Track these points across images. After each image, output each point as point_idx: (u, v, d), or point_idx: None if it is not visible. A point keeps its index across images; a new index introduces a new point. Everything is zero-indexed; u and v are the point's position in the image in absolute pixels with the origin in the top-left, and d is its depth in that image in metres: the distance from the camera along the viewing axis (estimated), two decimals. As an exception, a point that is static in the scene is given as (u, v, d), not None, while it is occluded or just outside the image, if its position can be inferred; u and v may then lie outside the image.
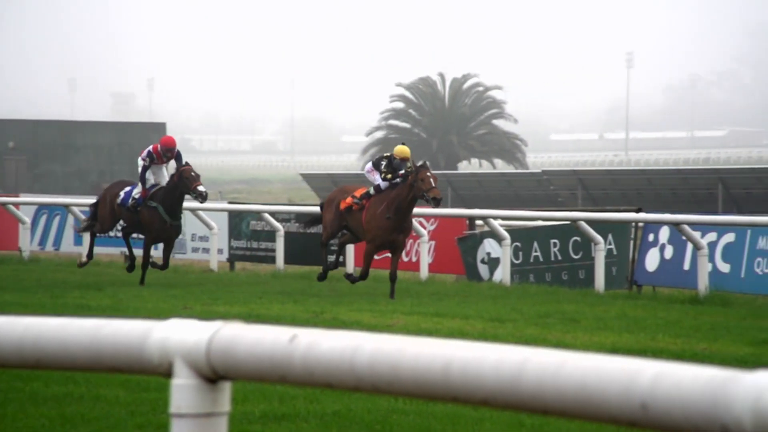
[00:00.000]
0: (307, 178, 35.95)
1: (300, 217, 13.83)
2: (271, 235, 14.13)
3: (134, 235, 11.65)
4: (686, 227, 10.84)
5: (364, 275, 10.36)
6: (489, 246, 12.66)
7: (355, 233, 10.56)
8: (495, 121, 45.91)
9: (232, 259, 14.74)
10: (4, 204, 15.44)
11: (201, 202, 11.12)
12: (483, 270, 12.83)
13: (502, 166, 44.32)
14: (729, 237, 11.43)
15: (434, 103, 46.35)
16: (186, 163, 11.05)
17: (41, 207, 15.80)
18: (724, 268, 11.39)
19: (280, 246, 13.74)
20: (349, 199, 10.38)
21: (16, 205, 15.48)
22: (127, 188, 11.32)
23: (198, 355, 1.94)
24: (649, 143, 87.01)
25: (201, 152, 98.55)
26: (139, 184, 11.16)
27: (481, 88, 46.52)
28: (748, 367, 1.65)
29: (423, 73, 48.15)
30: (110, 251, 15.29)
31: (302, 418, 4.77)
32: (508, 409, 1.75)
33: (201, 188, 10.82)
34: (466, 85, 46.66)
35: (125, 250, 14.68)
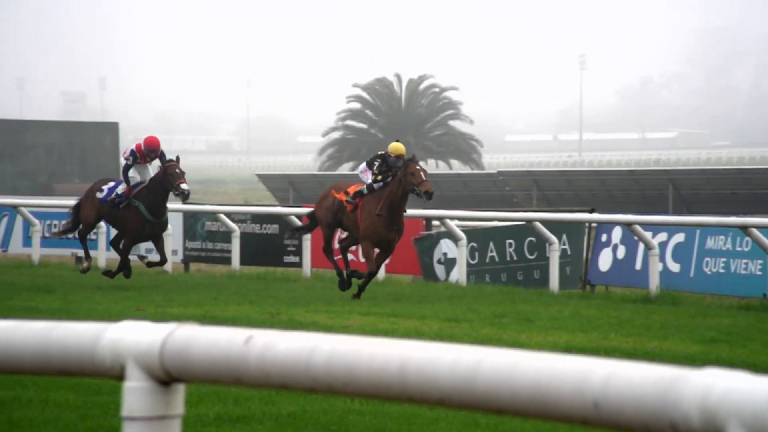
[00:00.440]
0: (263, 178, 35.75)
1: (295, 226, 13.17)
2: (226, 236, 14.02)
3: (93, 236, 11.39)
4: (638, 227, 11.02)
5: (372, 272, 9.98)
6: (445, 246, 12.72)
7: (350, 233, 10.30)
8: (451, 122, 46.16)
9: (186, 261, 14.59)
10: (-50, 204, 15.09)
11: (182, 201, 10.83)
12: (439, 270, 12.89)
13: (458, 167, 44.59)
14: (679, 237, 11.64)
15: (391, 103, 46.45)
16: (171, 159, 10.75)
17: (-11, 208, 15.47)
18: (675, 267, 11.60)
19: (235, 247, 13.65)
20: (342, 195, 10.11)
21: (-36, 205, 15.15)
22: (111, 184, 10.99)
23: (151, 357, 1.91)
24: (601, 144, 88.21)
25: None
26: (123, 183, 10.86)
27: (437, 89, 46.75)
28: (696, 365, 1.68)
29: (379, 74, 48.24)
30: (60, 252, 15.04)
31: (257, 420, 4.75)
32: (464, 408, 1.75)
33: (184, 186, 10.49)
34: (422, 86, 46.83)
35: (77, 251, 14.43)
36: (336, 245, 10.97)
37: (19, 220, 15.17)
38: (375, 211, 9.89)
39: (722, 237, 11.29)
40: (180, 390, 1.96)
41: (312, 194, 33.08)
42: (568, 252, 12.37)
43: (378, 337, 1.89)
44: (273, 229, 14.22)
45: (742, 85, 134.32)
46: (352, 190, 10.13)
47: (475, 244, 12.48)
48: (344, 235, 10.79)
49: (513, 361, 1.70)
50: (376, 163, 10.04)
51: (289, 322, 8.10)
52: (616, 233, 12.30)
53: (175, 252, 14.50)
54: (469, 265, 12.23)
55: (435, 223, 13.17)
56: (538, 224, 11.70)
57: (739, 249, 11.13)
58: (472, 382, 1.71)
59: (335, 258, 10.43)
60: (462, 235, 12.05)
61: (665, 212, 25.00)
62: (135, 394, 1.93)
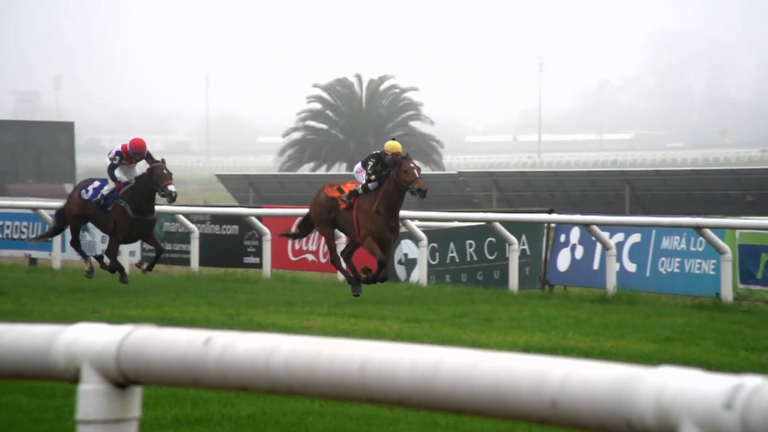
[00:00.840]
0: (223, 179, 35.50)
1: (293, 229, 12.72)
2: (185, 237, 13.90)
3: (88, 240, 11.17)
4: (596, 228, 11.15)
5: (383, 260, 9.63)
6: (406, 247, 12.75)
7: (344, 233, 10.09)
8: (412, 123, 46.30)
9: (145, 262, 14.42)
10: None
11: (169, 203, 10.65)
12: (400, 271, 12.91)
13: (418, 168, 44.61)
14: (635, 237, 11.81)
15: (351, 104, 46.45)
16: (158, 160, 10.60)
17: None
18: (631, 267, 11.76)
19: (195, 247, 13.54)
20: (335, 191, 9.90)
21: None
22: (96, 184, 10.79)
23: (107, 359, 1.89)
24: (560, 145, 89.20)
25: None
26: (110, 181, 10.65)
27: (397, 90, 46.86)
28: (652, 364, 1.70)
29: (340, 74, 48.21)
30: (13, 254, 14.77)
31: (216, 422, 4.71)
32: (423, 408, 1.76)
33: (171, 188, 10.32)
34: (382, 87, 46.91)
35: (30, 252, 14.16)
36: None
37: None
38: (372, 208, 9.67)
39: (677, 237, 11.48)
40: (137, 392, 1.93)
41: (272, 195, 32.94)
42: (528, 252, 12.48)
43: (338, 337, 1.89)
44: (233, 229, 14.13)
45: (695, 88, 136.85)
46: (347, 188, 9.90)
47: (435, 245, 12.53)
48: (342, 240, 10.56)
49: (472, 362, 1.71)
50: (371, 163, 9.83)
51: (248, 323, 8.05)
52: (575, 234, 12.44)
53: (132, 253, 14.34)
54: (429, 265, 12.27)
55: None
56: (498, 225, 11.78)
57: (693, 249, 11.32)
58: (432, 382, 1.72)
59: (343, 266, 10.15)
60: (423, 235, 12.09)
61: (622, 213, 25.35)
62: (90, 397, 1.90)
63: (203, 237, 13.75)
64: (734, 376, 1.58)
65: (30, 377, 1.95)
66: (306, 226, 10.46)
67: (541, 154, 73.92)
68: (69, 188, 33.07)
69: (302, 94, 48.36)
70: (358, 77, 47.10)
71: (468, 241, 12.56)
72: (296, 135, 46.33)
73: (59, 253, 14.06)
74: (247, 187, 32.80)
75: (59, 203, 11.41)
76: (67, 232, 11.15)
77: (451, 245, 12.55)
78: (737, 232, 10.74)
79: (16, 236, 12.94)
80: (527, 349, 6.77)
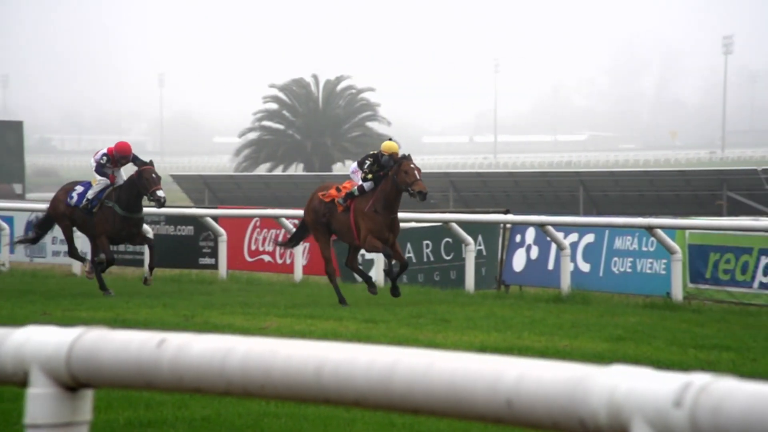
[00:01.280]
0: (178, 179, 35.11)
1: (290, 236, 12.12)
2: (139, 238, 13.71)
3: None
4: (550, 228, 11.26)
5: (388, 253, 9.37)
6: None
7: (340, 236, 9.81)
8: (369, 124, 46.34)
9: (93, 261, 14.19)
10: None
11: (157, 208, 10.48)
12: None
13: (375, 169, 44.69)
14: (589, 238, 11.96)
15: (308, 104, 46.32)
16: (146, 162, 10.41)
17: None
18: (585, 267, 11.91)
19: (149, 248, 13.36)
20: (333, 191, 9.65)
21: None
22: (79, 189, 10.61)
23: (57, 362, 1.85)
24: (516, 146, 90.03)
25: (62, 152, 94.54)
26: (93, 183, 10.47)
27: (354, 90, 46.86)
28: (604, 363, 1.72)
29: (296, 74, 48.04)
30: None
31: (170, 425, 4.65)
32: (380, 409, 1.76)
33: (160, 193, 10.16)
34: (339, 87, 46.87)
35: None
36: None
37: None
38: (368, 208, 9.48)
39: (629, 237, 11.65)
40: (88, 396, 1.90)
41: (228, 195, 32.69)
42: (484, 252, 12.56)
43: (295, 338, 1.88)
44: (188, 230, 13.99)
45: (647, 90, 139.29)
46: (344, 188, 9.67)
47: (392, 245, 12.53)
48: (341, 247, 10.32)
49: (428, 362, 1.71)
50: (368, 162, 9.65)
51: (204, 324, 7.97)
52: (530, 234, 12.55)
53: (84, 254, 14.09)
54: (386, 266, 12.27)
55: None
56: (455, 225, 11.83)
57: (644, 249, 11.51)
58: (388, 382, 1.72)
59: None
60: (379, 236, 12.08)
61: (576, 213, 25.67)
62: (39, 400, 1.87)
63: (158, 238, 13.58)
64: (683, 374, 1.60)
65: (-23, 381, 1.90)
66: (300, 235, 10.22)
67: (497, 155, 74.53)
68: (18, 189, 32.42)
69: (258, 94, 48.10)
70: (315, 77, 46.98)
71: (425, 242, 12.60)
72: (252, 135, 46.06)
73: (7, 255, 13.79)
74: (203, 187, 32.50)
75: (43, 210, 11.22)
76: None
77: (408, 246, 12.57)
78: (687, 232, 10.93)
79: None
80: (483, 348, 6.81)
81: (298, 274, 12.87)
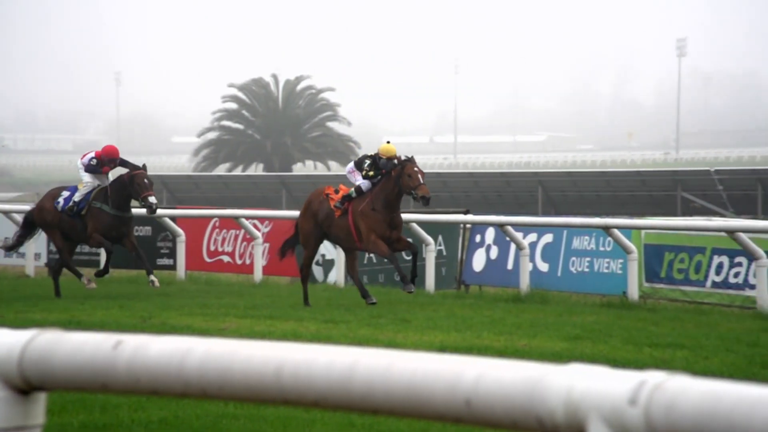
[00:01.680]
0: (135, 178, 34.61)
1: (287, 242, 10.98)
2: (96, 238, 13.52)
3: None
4: (510, 228, 11.35)
5: (392, 255, 9.27)
6: (323, 248, 12.71)
7: (337, 242, 9.65)
8: (329, 124, 46.27)
9: (51, 264, 13.99)
10: None
11: (149, 214, 10.30)
12: (317, 272, 12.87)
13: (336, 169, 44.70)
14: (548, 238, 12.08)
15: (268, 104, 46.11)
16: (138, 166, 10.21)
17: None
18: (544, 267, 12.02)
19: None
20: (330, 190, 9.47)
21: None
22: (66, 193, 10.40)
23: (8, 365, 1.82)
24: (475, 147, 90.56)
25: (16, 152, 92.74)
26: (79, 187, 10.28)
27: (314, 90, 46.75)
28: (562, 361, 1.74)
29: (255, 74, 47.79)
30: None
31: (126, 428, 4.60)
32: (340, 409, 1.75)
33: (152, 199, 9.97)
34: (299, 87, 46.73)
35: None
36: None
37: None
38: (369, 208, 9.34)
39: (587, 237, 11.79)
40: (41, 399, 1.87)
41: (186, 195, 32.37)
42: (444, 253, 12.61)
43: (254, 339, 1.86)
44: (145, 230, 13.83)
45: (604, 91, 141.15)
46: (340, 193, 9.53)
47: (352, 246, 12.52)
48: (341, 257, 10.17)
49: (388, 362, 1.71)
50: (367, 162, 9.51)
51: (161, 326, 7.89)
52: (490, 234, 12.64)
53: (38, 255, 13.89)
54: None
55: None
56: (415, 225, 11.86)
57: (602, 249, 11.65)
58: (348, 383, 1.71)
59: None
60: (339, 236, 12.06)
61: (535, 213, 25.91)
62: (-8, 405, 1.82)
63: (115, 238, 13.39)
64: (638, 373, 1.63)
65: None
66: (293, 241, 10.06)
67: (457, 155, 74.90)
68: (-29, 188, 31.74)
69: (218, 94, 47.74)
70: (275, 77, 46.78)
71: (385, 242, 12.60)
72: (211, 135, 45.71)
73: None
74: (161, 188, 32.16)
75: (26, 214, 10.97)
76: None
77: (368, 246, 12.57)
78: (643, 232, 11.10)
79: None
80: (443, 348, 6.84)
81: (258, 274, 12.80)
